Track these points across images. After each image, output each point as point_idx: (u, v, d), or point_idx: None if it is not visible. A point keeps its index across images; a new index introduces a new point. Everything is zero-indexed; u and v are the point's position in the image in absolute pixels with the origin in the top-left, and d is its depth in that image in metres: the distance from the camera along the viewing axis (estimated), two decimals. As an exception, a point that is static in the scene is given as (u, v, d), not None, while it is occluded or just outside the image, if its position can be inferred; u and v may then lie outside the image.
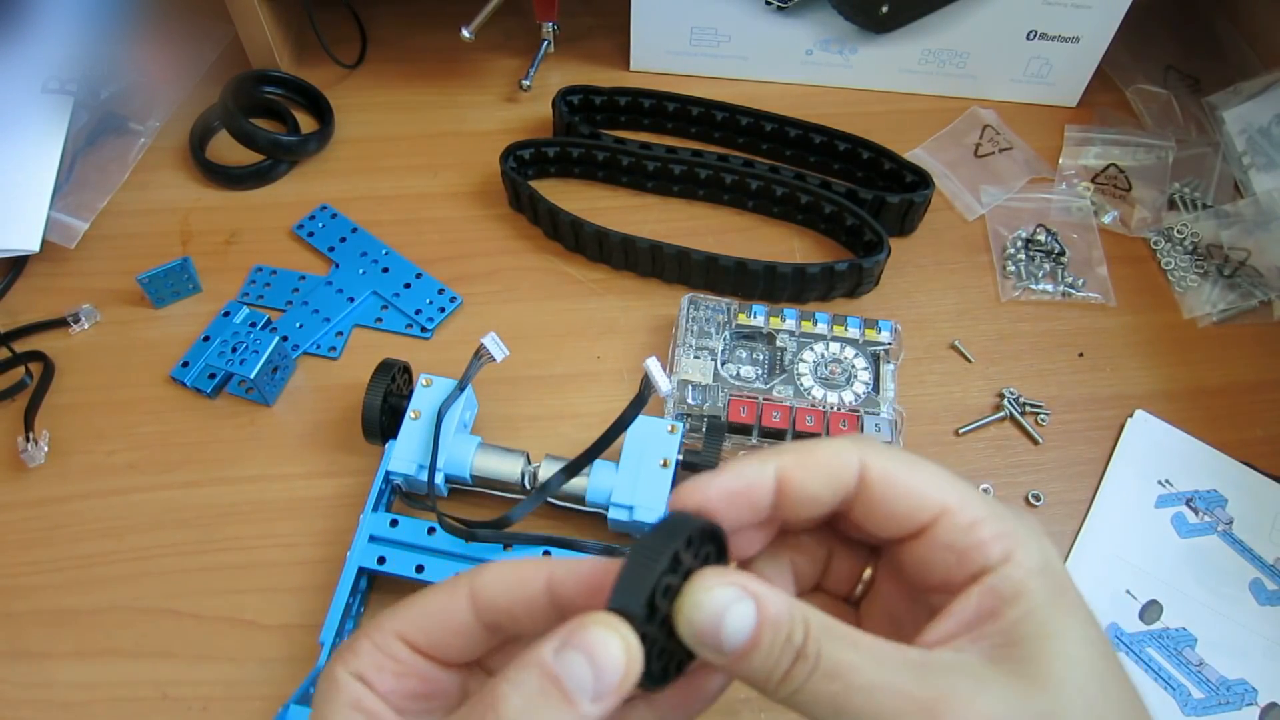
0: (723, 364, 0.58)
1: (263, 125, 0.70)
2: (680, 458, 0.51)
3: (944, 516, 0.28)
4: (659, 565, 0.26)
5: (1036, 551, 0.27)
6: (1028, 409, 0.58)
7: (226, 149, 0.69)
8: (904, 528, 0.29)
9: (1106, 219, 0.67)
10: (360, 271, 0.63)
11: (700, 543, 0.28)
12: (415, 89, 0.75)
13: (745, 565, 0.31)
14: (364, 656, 0.30)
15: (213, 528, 0.53)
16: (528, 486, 0.51)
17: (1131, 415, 0.58)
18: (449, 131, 0.72)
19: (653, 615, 0.26)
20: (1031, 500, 0.55)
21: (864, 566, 0.33)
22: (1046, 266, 0.64)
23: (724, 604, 0.26)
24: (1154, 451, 0.57)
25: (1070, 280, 0.64)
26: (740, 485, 0.29)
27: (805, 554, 0.32)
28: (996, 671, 0.26)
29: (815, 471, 0.29)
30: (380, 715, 0.30)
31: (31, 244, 0.61)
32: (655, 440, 0.51)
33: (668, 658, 0.28)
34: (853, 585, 0.33)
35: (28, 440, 0.55)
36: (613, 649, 0.25)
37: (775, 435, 0.55)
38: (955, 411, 0.58)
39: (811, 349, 0.58)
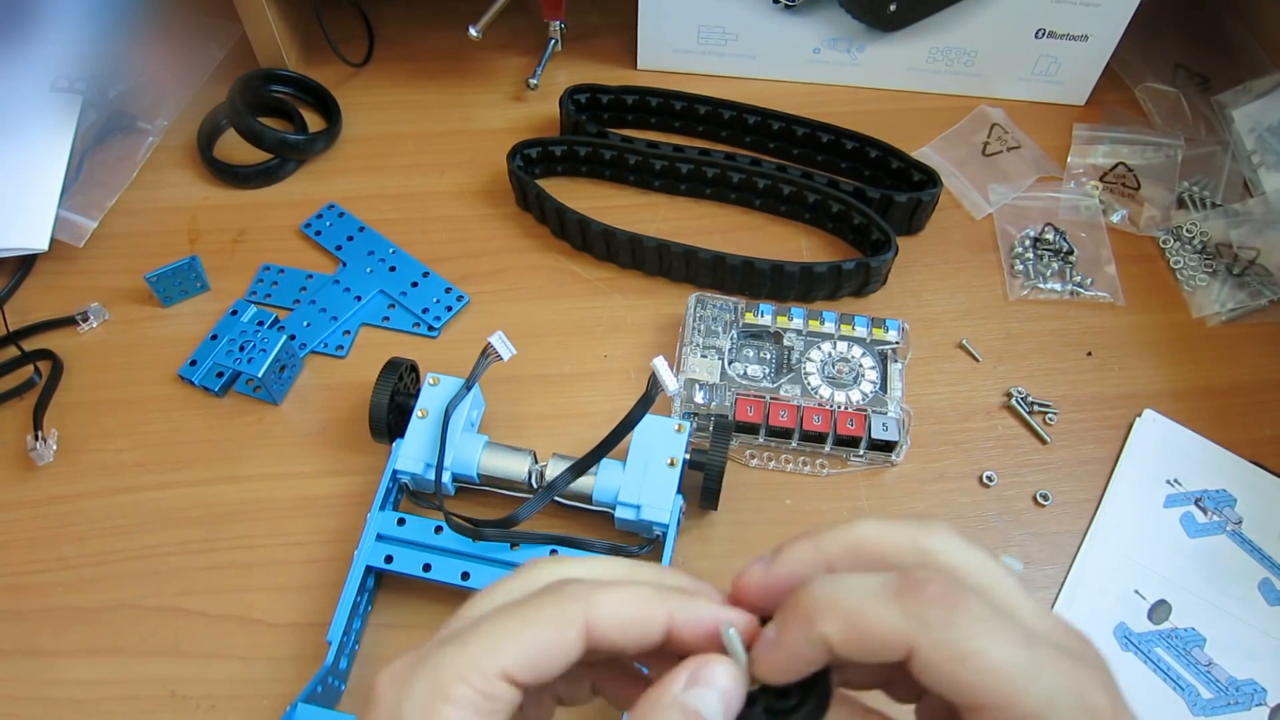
0: (730, 363, 0.58)
1: (270, 124, 0.70)
2: (687, 457, 0.51)
3: (986, 710, 0.27)
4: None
5: None
6: (1036, 408, 0.58)
7: (234, 148, 0.69)
8: (953, 699, 0.28)
9: (1115, 218, 0.67)
10: (367, 270, 0.63)
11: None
12: (422, 88, 0.75)
13: None
14: (465, 705, 0.28)
15: (220, 526, 0.53)
16: (534, 485, 0.51)
17: (1140, 414, 0.58)
18: (456, 130, 0.72)
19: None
20: (1039, 500, 0.54)
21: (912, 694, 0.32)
22: (1055, 265, 0.64)
23: None
24: (1163, 451, 0.56)
25: (1079, 279, 0.63)
26: (794, 655, 0.29)
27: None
28: None
29: (861, 647, 0.28)
30: None
31: (40, 242, 0.61)
32: (662, 439, 0.51)
33: None
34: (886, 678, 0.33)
35: (36, 438, 0.55)
36: (727, 677, 0.29)
37: (782, 434, 0.55)
38: (963, 411, 0.58)
39: (819, 348, 0.58)
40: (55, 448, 0.56)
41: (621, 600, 0.30)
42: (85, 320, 0.61)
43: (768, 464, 0.56)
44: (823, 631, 0.28)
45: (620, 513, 0.50)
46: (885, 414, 0.55)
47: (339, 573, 0.50)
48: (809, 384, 0.57)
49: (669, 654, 0.31)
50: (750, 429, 0.55)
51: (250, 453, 0.56)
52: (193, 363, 0.59)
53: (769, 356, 0.59)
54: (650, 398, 0.48)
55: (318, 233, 0.66)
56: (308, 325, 0.61)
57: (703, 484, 0.51)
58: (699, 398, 0.56)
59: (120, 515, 0.54)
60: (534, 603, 0.30)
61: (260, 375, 0.54)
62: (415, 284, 0.63)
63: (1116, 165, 0.69)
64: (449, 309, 0.62)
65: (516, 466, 0.51)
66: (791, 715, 0.29)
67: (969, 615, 0.27)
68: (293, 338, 0.60)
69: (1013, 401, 0.58)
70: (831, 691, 0.29)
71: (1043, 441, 0.57)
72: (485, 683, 0.28)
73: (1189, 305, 0.63)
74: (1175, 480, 0.55)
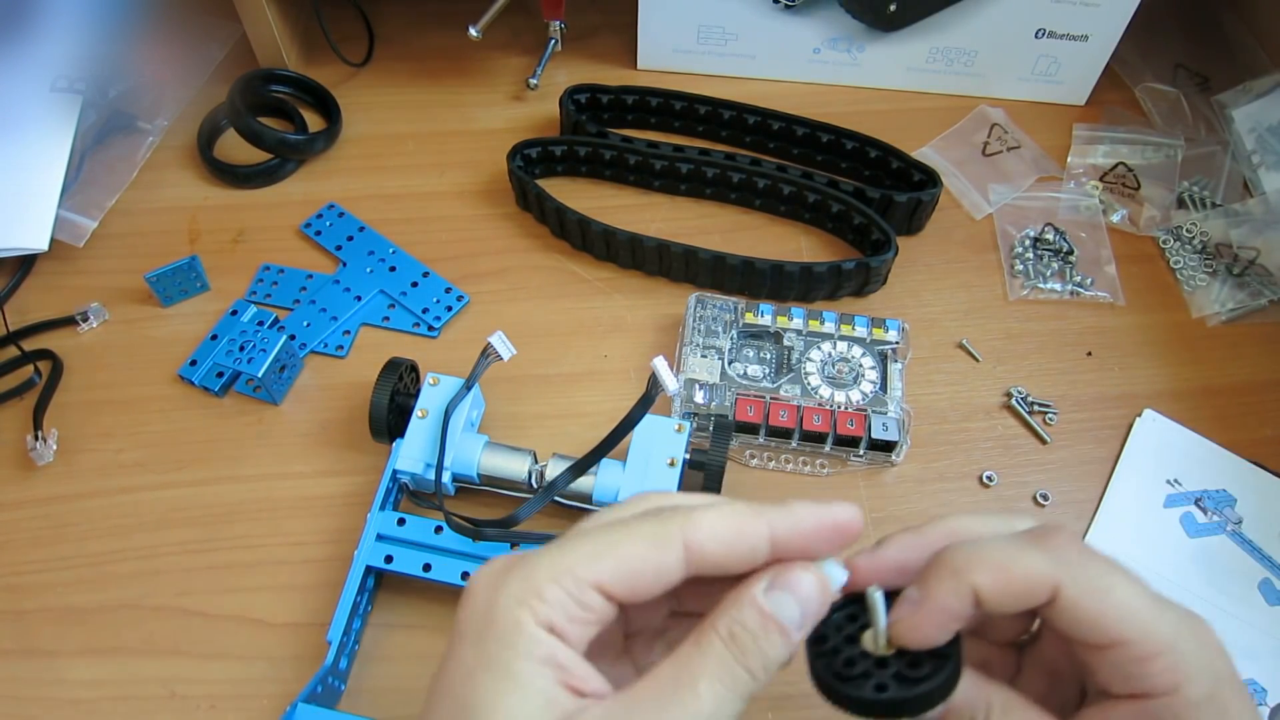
0: (730, 363, 0.58)
1: (270, 124, 0.70)
2: (687, 457, 0.51)
3: (1120, 646, 0.29)
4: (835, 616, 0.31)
5: (1208, 680, 0.28)
6: (1036, 408, 0.58)
7: (234, 148, 0.69)
8: (1082, 640, 0.30)
9: (1115, 218, 0.67)
10: (367, 270, 0.63)
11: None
12: (422, 88, 0.75)
13: None
14: (556, 606, 0.28)
15: (220, 526, 0.53)
16: (535, 485, 0.51)
17: (1140, 414, 0.58)
18: (456, 130, 0.72)
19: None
20: (1039, 500, 0.54)
21: (1029, 622, 0.34)
22: (1055, 265, 0.64)
23: None
24: (1162, 451, 0.56)
25: (1078, 279, 0.63)
26: (941, 610, 0.30)
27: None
28: None
29: (1011, 592, 0.29)
30: (574, 669, 0.28)
31: (40, 242, 0.61)
32: (662, 439, 0.51)
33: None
34: (1016, 634, 0.34)
35: (36, 438, 0.55)
36: (808, 584, 0.30)
37: (782, 434, 0.55)
38: (963, 411, 0.58)
39: (819, 348, 0.58)
40: (55, 448, 0.56)
41: (719, 516, 0.30)
42: (85, 320, 0.61)
43: (768, 464, 0.56)
44: (974, 581, 0.29)
45: (620, 513, 0.50)
46: (885, 414, 0.55)
47: (339, 573, 0.50)
48: (809, 384, 0.57)
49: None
50: (750, 429, 0.55)
51: (250, 453, 0.56)
52: (193, 363, 0.59)
53: (769, 356, 0.59)
54: (650, 398, 0.48)
55: (318, 233, 0.66)
56: (308, 325, 0.61)
57: (703, 484, 0.51)
58: (699, 398, 0.56)
59: (120, 515, 0.54)
60: (634, 522, 0.30)
61: (260, 375, 0.54)
62: (415, 284, 0.63)
63: (1116, 165, 0.69)
64: (449, 309, 0.62)
65: (516, 466, 0.51)
66: (924, 682, 0.29)
67: (1097, 557, 0.29)
68: (293, 338, 0.60)
69: (1013, 401, 0.58)
70: (963, 663, 0.30)
71: (1043, 441, 0.57)
72: (578, 589, 0.29)
73: (1189, 305, 0.63)
74: (1175, 480, 0.55)
